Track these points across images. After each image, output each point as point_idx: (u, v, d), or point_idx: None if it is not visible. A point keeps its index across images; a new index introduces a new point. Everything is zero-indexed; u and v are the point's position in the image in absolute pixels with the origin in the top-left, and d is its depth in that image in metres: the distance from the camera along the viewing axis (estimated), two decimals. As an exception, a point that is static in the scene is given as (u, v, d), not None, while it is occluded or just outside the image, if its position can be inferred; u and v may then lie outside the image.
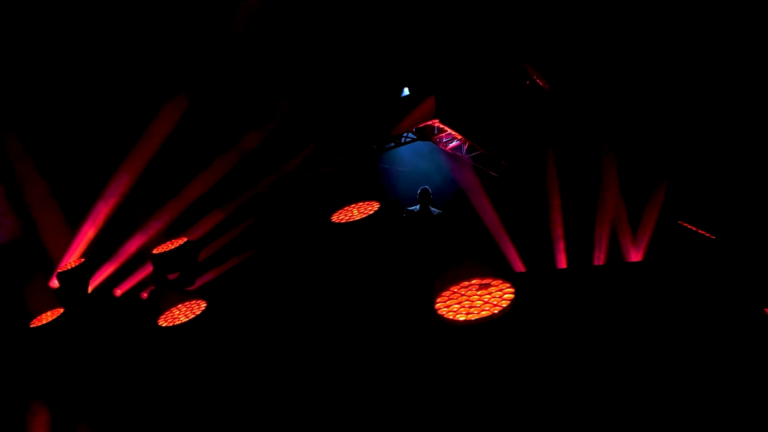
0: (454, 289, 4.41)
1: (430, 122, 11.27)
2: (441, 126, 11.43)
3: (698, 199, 11.35)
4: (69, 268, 8.96)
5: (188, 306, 6.49)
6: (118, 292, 10.03)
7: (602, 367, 4.42)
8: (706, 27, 10.15)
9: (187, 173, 10.18)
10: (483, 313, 3.98)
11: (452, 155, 12.60)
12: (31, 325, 7.93)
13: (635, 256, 11.16)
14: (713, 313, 4.96)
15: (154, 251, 8.15)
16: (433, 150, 13.07)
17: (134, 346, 6.70)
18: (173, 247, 8.06)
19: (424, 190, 10.56)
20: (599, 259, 11.29)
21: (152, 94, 9.44)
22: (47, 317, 8.02)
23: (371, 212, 6.04)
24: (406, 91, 12.08)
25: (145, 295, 10.21)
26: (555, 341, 4.37)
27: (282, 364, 5.27)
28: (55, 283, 9.35)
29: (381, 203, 6.21)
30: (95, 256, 9.50)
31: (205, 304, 6.31)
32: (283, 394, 5.03)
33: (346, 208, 6.25)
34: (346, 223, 5.94)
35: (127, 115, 9.62)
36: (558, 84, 11.90)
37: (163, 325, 6.19)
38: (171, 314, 6.43)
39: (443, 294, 4.35)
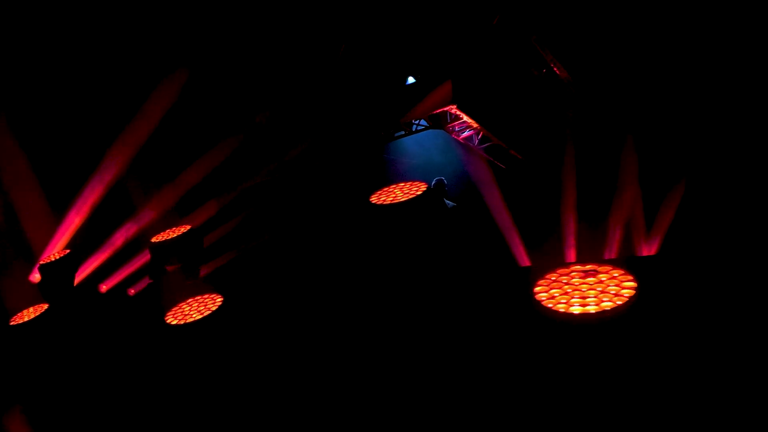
0: (552, 276, 3.63)
1: (446, 108, 10.60)
2: (456, 113, 10.78)
3: (717, 197, 10.86)
4: (52, 259, 7.99)
5: (200, 301, 5.60)
6: (104, 287, 9.04)
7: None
8: (734, 25, 9.75)
9: (185, 157, 9.23)
10: (604, 305, 3.20)
11: (463, 146, 11.99)
12: (11, 323, 6.91)
13: (647, 252, 10.64)
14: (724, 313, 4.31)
15: (153, 239, 7.24)
16: (441, 142, 12.48)
17: (137, 347, 5.76)
18: (174, 235, 7.15)
19: (439, 182, 9.91)
20: (609, 255, 10.73)
21: (149, 68, 8.47)
22: (29, 314, 7.02)
23: (418, 193, 5.25)
24: (411, 80, 11.54)
25: (132, 291, 9.30)
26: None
27: (335, 372, 4.43)
28: (35, 276, 8.40)
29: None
30: (82, 246, 8.51)
31: (220, 299, 5.42)
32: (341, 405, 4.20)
33: (386, 189, 5.45)
34: (390, 205, 5.13)
35: (122, 91, 8.63)
36: (581, 76, 11.33)
37: (173, 323, 5.28)
38: (180, 310, 5.53)
39: (539, 282, 3.57)
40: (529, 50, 11.18)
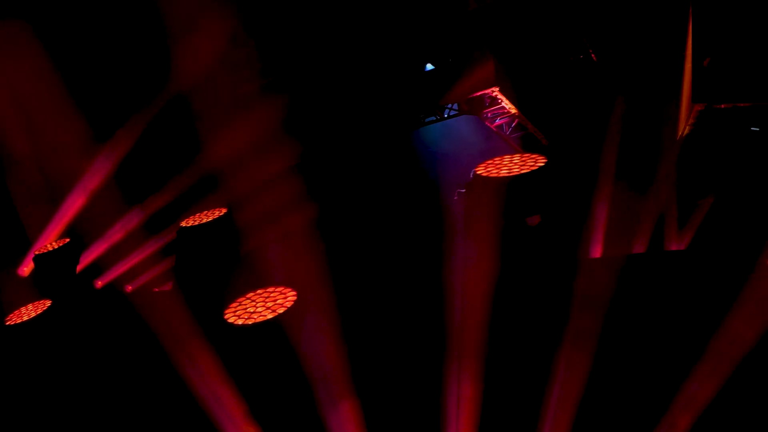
0: None
1: (487, 91, 9.78)
2: (496, 96, 9.96)
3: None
4: (48, 249, 6.91)
5: (265, 295, 4.54)
6: (100, 283, 7.86)
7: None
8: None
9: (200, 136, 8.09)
10: None
11: (492, 135, 11.23)
12: (7, 322, 5.70)
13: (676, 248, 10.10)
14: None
15: (183, 224, 6.15)
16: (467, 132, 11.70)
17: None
18: (209, 219, 6.07)
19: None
20: (639, 249, 10.16)
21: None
22: (28, 312, 5.95)
23: (540, 165, 4.36)
24: (429, 66, 10.83)
25: (129, 288, 8.14)
26: None
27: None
28: (25, 269, 7.26)
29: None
30: (82, 235, 7.34)
31: (293, 294, 4.38)
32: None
33: (493, 161, 4.54)
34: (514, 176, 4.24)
35: (141, 59, 7.48)
36: (621, 64, 10.69)
37: (238, 323, 4.22)
38: (241, 307, 4.46)
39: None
40: (569, 35, 10.52)
